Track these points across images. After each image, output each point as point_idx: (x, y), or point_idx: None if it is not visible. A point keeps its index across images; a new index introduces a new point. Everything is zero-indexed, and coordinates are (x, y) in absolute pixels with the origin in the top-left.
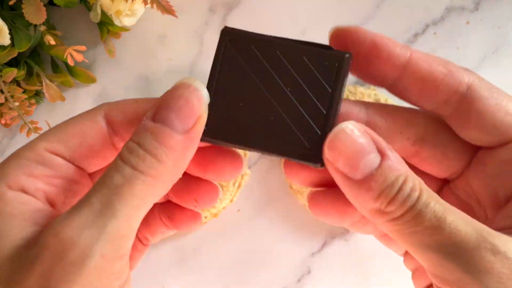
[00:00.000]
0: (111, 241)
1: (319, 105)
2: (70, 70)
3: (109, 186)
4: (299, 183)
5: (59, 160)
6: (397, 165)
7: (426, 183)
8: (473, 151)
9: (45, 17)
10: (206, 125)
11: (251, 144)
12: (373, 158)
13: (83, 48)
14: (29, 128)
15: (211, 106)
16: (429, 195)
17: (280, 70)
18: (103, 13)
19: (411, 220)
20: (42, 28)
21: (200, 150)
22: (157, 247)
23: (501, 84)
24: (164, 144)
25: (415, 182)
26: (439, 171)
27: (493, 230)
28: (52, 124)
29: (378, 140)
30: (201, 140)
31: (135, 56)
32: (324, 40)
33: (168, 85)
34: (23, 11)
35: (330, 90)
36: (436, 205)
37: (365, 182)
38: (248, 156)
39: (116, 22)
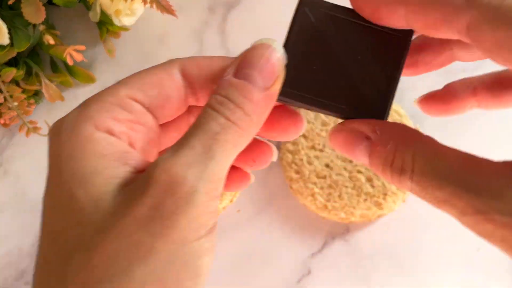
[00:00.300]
0: (211, 181)
1: (385, 73)
2: (70, 70)
3: (207, 132)
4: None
5: (139, 107)
6: None
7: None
8: None
9: (44, 16)
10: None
11: (322, 105)
12: None
13: (82, 47)
14: (28, 128)
15: (286, 67)
16: None
17: (351, 41)
18: (103, 12)
19: None
20: (41, 27)
21: None
22: None
23: None
24: (249, 99)
25: None
26: None
27: None
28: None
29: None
30: (277, 99)
31: (135, 56)
32: None
33: None
34: (22, 10)
35: (394, 62)
36: None
37: None
38: None
39: (116, 21)
